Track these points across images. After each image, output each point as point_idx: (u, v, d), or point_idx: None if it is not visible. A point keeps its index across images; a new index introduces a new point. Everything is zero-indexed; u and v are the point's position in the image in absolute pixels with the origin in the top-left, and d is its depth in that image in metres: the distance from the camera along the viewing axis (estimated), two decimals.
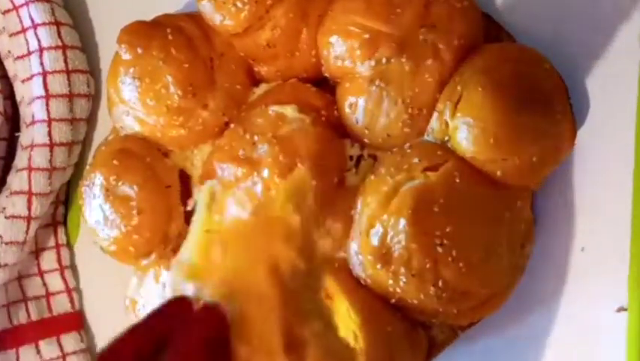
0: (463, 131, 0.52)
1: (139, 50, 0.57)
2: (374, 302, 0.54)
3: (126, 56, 0.58)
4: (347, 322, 0.54)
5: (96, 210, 0.58)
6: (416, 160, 0.53)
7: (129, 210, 0.57)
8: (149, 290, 0.56)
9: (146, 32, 0.58)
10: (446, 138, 0.53)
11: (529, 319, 0.58)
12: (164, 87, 0.57)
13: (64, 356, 0.65)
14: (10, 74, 0.66)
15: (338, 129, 0.57)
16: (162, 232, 0.57)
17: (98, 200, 0.57)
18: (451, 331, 0.57)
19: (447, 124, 0.53)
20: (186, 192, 0.59)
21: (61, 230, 0.66)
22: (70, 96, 0.63)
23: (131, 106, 0.58)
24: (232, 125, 0.58)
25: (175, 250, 0.57)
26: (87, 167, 0.60)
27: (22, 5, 0.63)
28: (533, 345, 0.58)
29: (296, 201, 0.54)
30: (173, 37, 0.58)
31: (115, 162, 0.58)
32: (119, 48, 0.58)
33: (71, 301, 0.66)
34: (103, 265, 0.62)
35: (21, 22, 0.64)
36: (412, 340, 0.56)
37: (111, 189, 0.57)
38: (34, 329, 0.65)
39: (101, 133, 0.65)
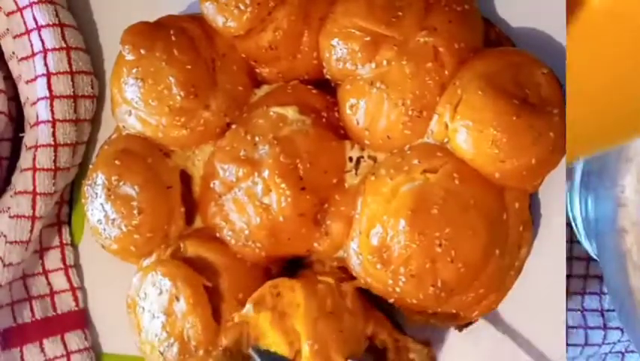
0: (463, 133, 0.52)
1: (142, 51, 0.57)
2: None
3: (129, 57, 0.58)
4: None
5: (98, 210, 0.58)
6: (416, 162, 0.54)
7: (130, 210, 0.57)
8: (148, 294, 0.56)
9: (149, 33, 0.58)
10: (446, 140, 0.54)
11: (526, 318, 0.58)
12: (167, 88, 0.57)
13: (68, 354, 0.65)
14: (15, 75, 0.66)
15: (338, 131, 0.57)
16: (163, 232, 0.58)
17: (99, 199, 0.58)
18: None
19: (447, 126, 0.53)
20: (187, 193, 0.59)
21: (65, 229, 0.66)
22: (75, 97, 0.63)
23: (133, 106, 0.58)
24: (233, 126, 0.58)
25: (175, 253, 0.57)
26: (90, 166, 0.61)
27: (26, 7, 0.63)
28: (531, 343, 0.58)
29: None
30: (176, 39, 0.58)
31: (117, 162, 0.58)
32: (123, 49, 0.58)
33: (75, 300, 0.66)
34: (107, 264, 0.63)
35: (25, 23, 0.64)
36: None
37: (112, 189, 0.57)
38: (38, 327, 0.65)
39: (105, 134, 0.65)
